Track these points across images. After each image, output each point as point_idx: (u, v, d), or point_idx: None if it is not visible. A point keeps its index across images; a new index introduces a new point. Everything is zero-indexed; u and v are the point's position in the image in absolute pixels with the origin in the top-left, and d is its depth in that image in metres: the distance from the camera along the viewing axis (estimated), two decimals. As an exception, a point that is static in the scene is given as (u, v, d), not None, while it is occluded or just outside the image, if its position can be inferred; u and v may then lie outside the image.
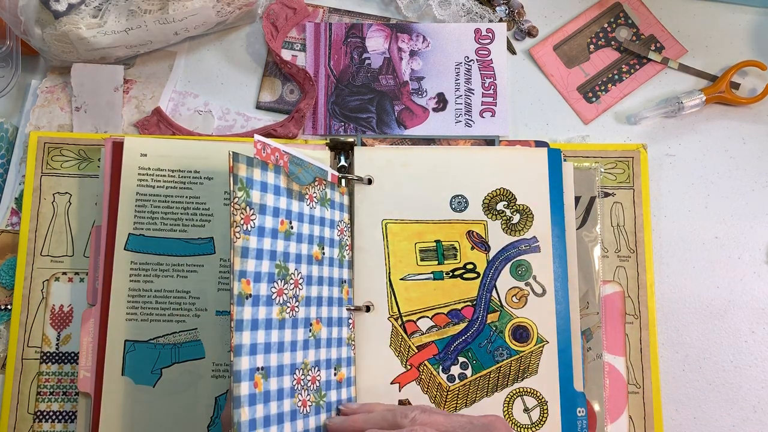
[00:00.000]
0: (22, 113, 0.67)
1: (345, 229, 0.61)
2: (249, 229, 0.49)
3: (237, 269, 0.47)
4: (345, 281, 0.60)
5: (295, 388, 0.52)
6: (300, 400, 0.52)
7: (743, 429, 0.63)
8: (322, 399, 0.54)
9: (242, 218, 0.48)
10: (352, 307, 0.60)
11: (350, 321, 0.59)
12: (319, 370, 0.55)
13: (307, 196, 0.56)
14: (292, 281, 0.53)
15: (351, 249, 0.61)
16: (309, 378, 0.53)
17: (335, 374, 0.56)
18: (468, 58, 0.70)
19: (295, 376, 0.52)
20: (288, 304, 0.52)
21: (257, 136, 0.52)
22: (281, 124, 0.67)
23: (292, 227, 0.53)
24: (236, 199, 0.48)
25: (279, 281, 0.51)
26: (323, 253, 0.57)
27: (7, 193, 0.65)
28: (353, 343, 0.59)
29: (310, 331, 0.54)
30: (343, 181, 0.61)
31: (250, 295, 0.48)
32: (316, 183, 0.57)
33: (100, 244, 0.60)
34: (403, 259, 0.61)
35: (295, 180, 0.55)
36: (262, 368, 0.49)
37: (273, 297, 0.51)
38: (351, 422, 0.52)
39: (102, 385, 0.58)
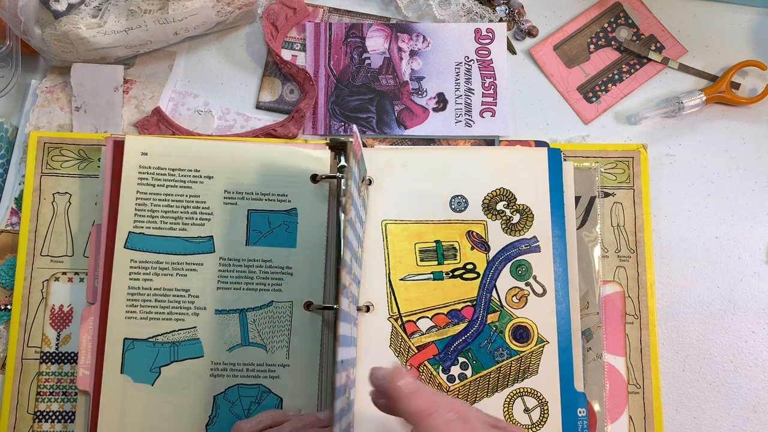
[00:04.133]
0: (22, 113, 0.67)
1: (365, 230, 0.61)
2: (350, 218, 0.50)
3: (345, 259, 0.49)
4: (359, 281, 0.60)
5: (346, 384, 0.52)
6: (346, 396, 0.52)
7: (743, 429, 0.62)
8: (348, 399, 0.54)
9: (348, 208, 0.50)
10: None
11: (356, 321, 0.59)
12: (347, 367, 0.54)
13: (361, 193, 0.57)
14: (351, 275, 0.53)
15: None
16: (345, 374, 0.53)
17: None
18: (468, 58, 0.70)
19: (345, 372, 0.52)
20: (348, 297, 0.52)
21: (355, 126, 0.53)
22: (281, 124, 0.67)
23: (354, 222, 0.54)
24: (343, 189, 0.50)
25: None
26: (359, 251, 0.58)
27: (7, 193, 0.65)
28: (357, 344, 0.59)
29: (351, 327, 0.54)
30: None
31: (345, 285, 0.49)
32: (364, 181, 0.59)
33: (100, 242, 0.60)
34: (403, 260, 0.61)
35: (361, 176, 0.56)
36: (342, 361, 0.49)
37: (347, 287, 0.51)
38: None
39: (101, 383, 0.58)
